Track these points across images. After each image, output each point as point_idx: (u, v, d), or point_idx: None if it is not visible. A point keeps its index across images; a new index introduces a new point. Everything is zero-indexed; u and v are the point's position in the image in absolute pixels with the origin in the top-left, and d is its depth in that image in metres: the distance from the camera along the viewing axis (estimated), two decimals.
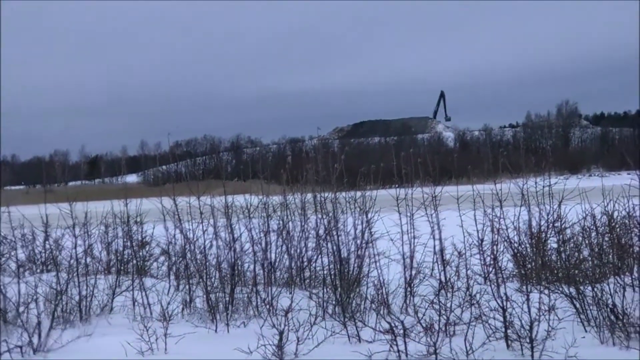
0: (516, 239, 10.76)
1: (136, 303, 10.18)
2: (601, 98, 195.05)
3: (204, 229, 10.70)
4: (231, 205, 10.88)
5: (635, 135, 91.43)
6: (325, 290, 9.66)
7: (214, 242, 10.64)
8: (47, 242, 12.38)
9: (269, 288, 9.92)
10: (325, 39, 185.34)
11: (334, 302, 9.28)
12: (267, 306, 9.34)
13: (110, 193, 14.75)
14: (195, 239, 10.71)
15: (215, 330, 8.86)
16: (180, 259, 11.11)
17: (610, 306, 7.81)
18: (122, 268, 11.37)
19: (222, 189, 11.21)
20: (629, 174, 11.61)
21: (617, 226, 10.15)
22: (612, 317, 7.71)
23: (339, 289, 9.37)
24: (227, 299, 9.49)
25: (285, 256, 11.21)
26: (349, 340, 8.06)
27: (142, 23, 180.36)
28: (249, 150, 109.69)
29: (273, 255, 11.06)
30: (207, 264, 10.32)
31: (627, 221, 10.07)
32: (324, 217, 10.75)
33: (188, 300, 9.94)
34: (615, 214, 10.24)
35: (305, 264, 11.19)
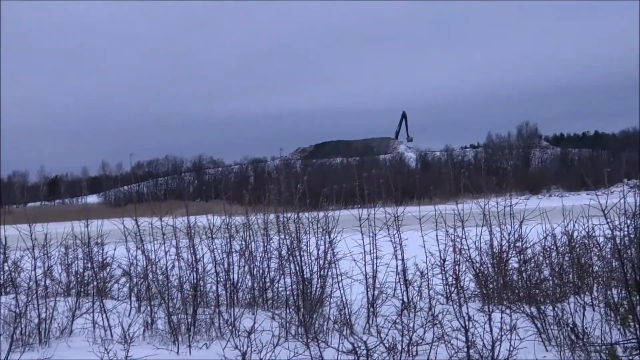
0: (478, 258, 10.81)
1: (96, 325, 10.06)
2: (560, 120, 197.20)
3: (166, 249, 10.64)
4: (193, 225, 10.83)
5: (594, 156, 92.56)
6: (288, 310, 9.64)
7: (176, 263, 10.58)
8: (5, 263, 12.20)
9: (232, 309, 9.87)
10: (288, 61, 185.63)
11: (296, 323, 9.26)
12: (230, 327, 9.29)
13: (71, 214, 14.58)
14: (157, 260, 10.64)
15: (177, 352, 8.78)
16: (142, 280, 11.03)
17: (570, 325, 7.88)
18: (82, 290, 11.27)
19: (184, 209, 11.19)
20: (588, 194, 11.75)
21: (577, 246, 10.25)
22: (573, 337, 7.78)
23: (302, 310, 9.36)
24: (189, 320, 9.43)
25: (248, 277, 11.19)
26: None
27: (106, 43, 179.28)
28: (211, 170, 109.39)
29: (235, 276, 11.02)
30: (169, 285, 10.27)
31: (586, 241, 10.16)
32: (287, 237, 10.75)
33: (149, 321, 9.84)
34: (575, 233, 10.33)
35: (268, 284, 11.18)
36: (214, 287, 10.67)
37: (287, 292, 10.35)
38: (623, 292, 6.92)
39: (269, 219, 11.49)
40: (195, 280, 10.25)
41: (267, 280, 11.19)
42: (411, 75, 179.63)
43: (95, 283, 11.22)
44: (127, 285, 12.02)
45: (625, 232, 9.17)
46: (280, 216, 11.21)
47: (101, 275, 11.70)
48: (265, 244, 11.33)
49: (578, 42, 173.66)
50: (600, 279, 9.37)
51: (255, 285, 11.13)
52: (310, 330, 8.94)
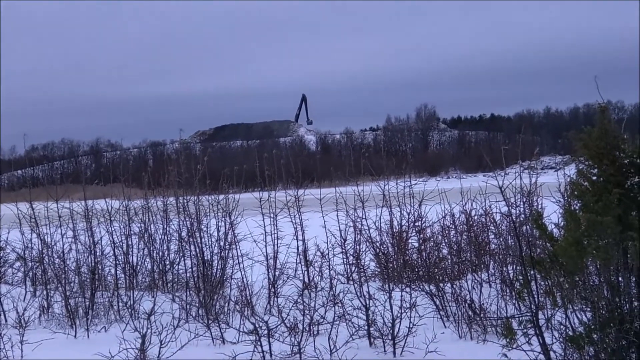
0: (378, 238, 10.95)
1: None
2: (457, 103, 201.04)
3: (63, 233, 10.41)
4: (91, 208, 10.64)
5: (490, 138, 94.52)
6: (188, 292, 9.57)
7: (73, 246, 10.38)
8: None
9: (131, 292, 9.76)
10: (186, 43, 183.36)
11: (197, 305, 9.20)
12: (129, 310, 9.17)
13: None
14: (53, 244, 10.42)
15: (75, 336, 8.63)
16: (37, 264, 10.77)
17: (468, 302, 8.07)
18: None
19: (82, 193, 10.96)
20: (485, 175, 12.02)
21: (474, 225, 10.50)
22: (470, 313, 7.97)
23: (202, 291, 9.30)
24: (87, 303, 9.27)
25: (148, 259, 11.06)
26: (213, 342, 8.01)
27: (3, 26, 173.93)
28: (109, 154, 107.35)
29: (135, 259, 10.89)
30: (66, 268, 10.07)
31: (484, 219, 10.41)
32: (187, 219, 10.66)
33: (45, 306, 9.64)
34: (473, 212, 10.58)
35: (168, 266, 11.07)
36: (113, 270, 10.52)
37: (188, 274, 10.28)
38: (518, 267, 7.12)
39: (169, 202, 11.37)
40: (93, 264, 10.08)
41: (167, 262, 11.09)
42: (311, 59, 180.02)
43: None
44: (22, 269, 11.72)
45: (521, 210, 9.46)
46: (179, 198, 11.10)
47: None
48: (165, 227, 11.21)
49: (473, 32, 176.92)
50: (496, 256, 9.63)
51: (155, 267, 11.02)
52: (211, 311, 8.90)
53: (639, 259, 4.86)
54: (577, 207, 5.28)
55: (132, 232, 10.90)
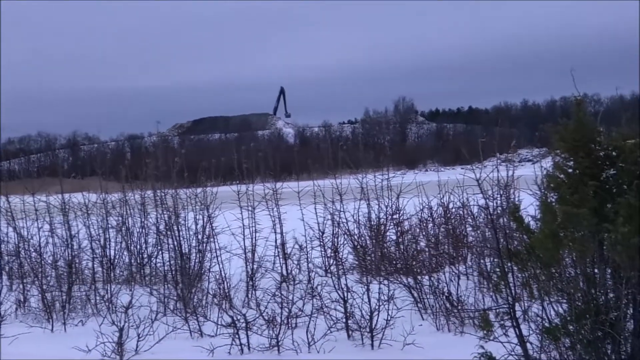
0: (356, 231, 10.97)
1: None
2: (436, 96, 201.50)
3: (39, 226, 10.36)
4: (68, 202, 10.59)
5: (468, 130, 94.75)
6: (166, 286, 9.56)
7: (50, 240, 10.32)
8: None
9: (109, 285, 9.72)
10: (165, 36, 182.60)
11: (175, 298, 9.19)
12: (107, 304, 9.14)
13: None
14: (29, 237, 10.36)
15: (52, 330, 8.59)
16: (14, 258, 10.70)
17: (446, 294, 8.10)
18: None
19: (59, 186, 10.90)
20: (462, 167, 12.06)
21: (452, 217, 10.54)
22: (448, 305, 8.01)
23: (180, 285, 9.29)
24: (64, 297, 9.23)
25: (125, 253, 11.02)
26: (191, 335, 8.00)
27: None
28: (86, 147, 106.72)
29: (112, 252, 10.85)
30: (43, 262, 10.02)
31: (461, 211, 10.46)
32: (165, 212, 10.63)
33: (22, 300, 9.59)
34: (451, 205, 10.62)
35: (146, 260, 11.03)
36: (90, 264, 10.47)
37: (166, 268, 10.26)
38: (496, 260, 7.15)
39: (147, 195, 11.33)
40: (70, 257, 10.03)
41: (145, 256, 11.05)
42: (290, 52, 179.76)
43: None
44: None
45: (498, 202, 9.52)
46: (157, 192, 11.06)
47: None
48: (143, 220, 11.17)
49: (452, 24, 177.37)
50: (474, 249, 9.68)
51: (133, 261, 10.98)
52: (189, 304, 8.89)
53: (614, 251, 4.90)
54: (553, 200, 5.31)
55: (109, 226, 10.85)
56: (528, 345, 5.43)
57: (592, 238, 4.99)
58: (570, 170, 5.19)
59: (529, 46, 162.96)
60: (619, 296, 4.98)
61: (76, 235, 10.32)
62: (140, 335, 7.35)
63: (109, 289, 9.51)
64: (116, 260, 10.91)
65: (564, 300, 5.22)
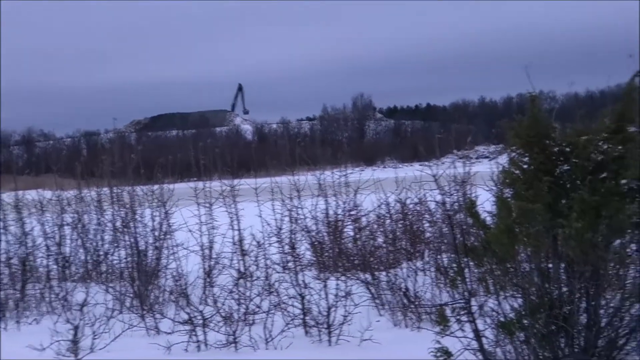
0: (314, 227, 10.96)
1: None
2: (394, 93, 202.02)
3: None
4: (22, 199, 10.46)
5: (425, 127, 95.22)
6: (122, 283, 9.49)
7: (3, 237, 10.19)
8: None
9: (64, 283, 9.63)
10: (121, 33, 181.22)
11: (131, 295, 9.13)
12: (62, 302, 9.06)
13: None
14: None
15: (5, 329, 8.49)
16: None
17: (403, 290, 8.15)
18: None
19: (12, 183, 10.77)
20: (420, 164, 12.12)
21: (409, 213, 10.58)
22: (405, 300, 8.05)
23: (137, 282, 9.23)
24: (18, 295, 9.13)
25: (81, 250, 10.90)
26: (147, 332, 7.96)
27: None
28: (41, 144, 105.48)
29: (67, 250, 10.72)
30: None
31: (419, 207, 10.50)
32: (121, 209, 10.54)
33: None
34: (408, 201, 10.66)
35: (102, 257, 10.93)
36: (45, 262, 10.35)
37: (122, 265, 10.17)
38: (452, 255, 7.20)
39: (103, 192, 11.23)
40: (23, 255, 9.92)
41: (101, 253, 10.94)
42: (248, 48, 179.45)
43: None
44: None
45: (455, 198, 9.58)
46: (113, 188, 10.97)
47: None
48: (99, 217, 11.07)
49: (409, 21, 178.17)
50: (431, 244, 9.74)
51: (89, 258, 10.87)
52: (145, 302, 8.85)
53: (568, 246, 4.95)
54: (509, 195, 5.36)
55: (64, 223, 10.73)
56: (484, 339, 5.48)
57: (547, 233, 5.05)
58: (525, 166, 5.24)
59: (487, 44, 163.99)
60: (572, 290, 5.04)
61: (30, 232, 10.19)
62: (96, 333, 7.27)
63: (64, 286, 9.41)
64: (72, 258, 10.79)
65: (519, 295, 5.27)
